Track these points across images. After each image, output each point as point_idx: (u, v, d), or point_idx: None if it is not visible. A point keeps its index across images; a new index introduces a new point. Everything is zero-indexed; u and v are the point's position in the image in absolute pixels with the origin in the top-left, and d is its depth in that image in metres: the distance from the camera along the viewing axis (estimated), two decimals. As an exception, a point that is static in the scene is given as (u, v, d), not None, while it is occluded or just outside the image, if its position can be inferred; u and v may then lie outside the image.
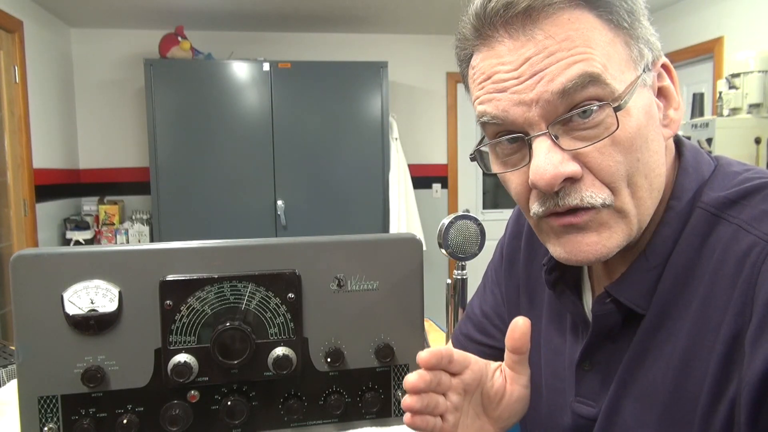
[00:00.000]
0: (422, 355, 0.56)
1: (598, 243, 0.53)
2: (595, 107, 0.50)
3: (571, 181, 0.51)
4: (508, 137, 0.54)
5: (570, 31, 0.49)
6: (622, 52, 0.51)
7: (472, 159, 0.60)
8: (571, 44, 0.49)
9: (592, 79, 0.49)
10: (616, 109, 0.49)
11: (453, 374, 0.59)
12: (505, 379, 0.62)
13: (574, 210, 0.52)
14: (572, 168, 0.50)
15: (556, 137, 0.51)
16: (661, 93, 0.56)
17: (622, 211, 0.52)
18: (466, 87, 0.60)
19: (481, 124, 0.55)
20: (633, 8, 0.52)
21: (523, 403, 0.63)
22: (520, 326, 0.59)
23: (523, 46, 0.50)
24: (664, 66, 0.56)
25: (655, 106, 0.54)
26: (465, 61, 0.58)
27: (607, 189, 0.51)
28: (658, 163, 0.54)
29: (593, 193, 0.51)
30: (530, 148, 0.52)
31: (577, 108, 0.50)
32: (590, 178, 0.51)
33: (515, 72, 0.51)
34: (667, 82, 0.57)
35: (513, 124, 0.52)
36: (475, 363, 0.61)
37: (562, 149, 0.51)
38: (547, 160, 0.50)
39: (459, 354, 0.60)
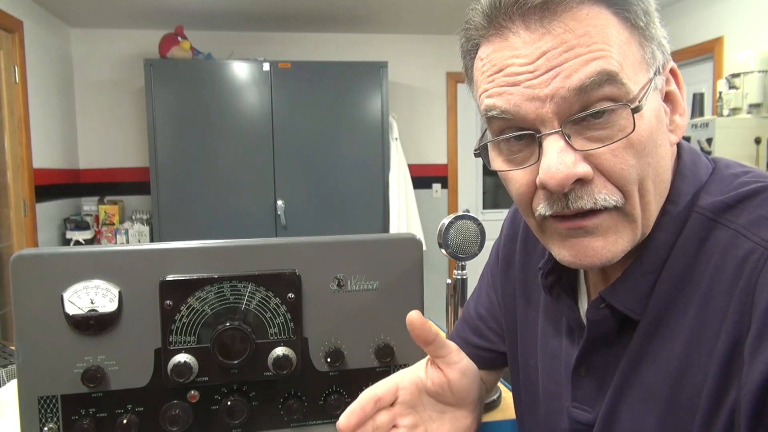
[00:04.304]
0: (342, 423, 0.56)
1: (603, 248, 0.51)
2: (609, 108, 0.48)
3: (581, 182, 0.50)
4: (515, 134, 0.52)
5: (589, 27, 0.48)
6: (637, 52, 0.50)
7: (477, 155, 0.58)
8: (589, 40, 0.48)
9: (609, 78, 0.47)
10: (634, 111, 0.48)
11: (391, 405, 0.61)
12: (438, 367, 0.62)
13: (584, 213, 0.51)
14: (584, 169, 0.49)
15: (569, 137, 0.49)
16: (667, 98, 0.55)
17: (630, 215, 0.51)
18: (469, 80, 0.58)
19: (488, 118, 0.53)
20: (648, 9, 0.51)
21: (470, 373, 0.64)
22: (413, 322, 0.59)
23: (541, 38, 0.48)
24: (671, 71, 0.55)
25: (663, 111, 0.53)
26: (471, 51, 0.56)
27: (618, 191, 0.50)
28: (665, 169, 0.53)
29: (607, 195, 0.50)
30: (540, 146, 0.50)
31: (591, 107, 0.49)
32: (602, 179, 0.50)
33: (530, 66, 0.49)
34: (673, 87, 0.55)
35: (523, 120, 0.50)
36: (402, 380, 0.62)
37: (575, 149, 0.49)
38: (560, 159, 0.48)
39: (383, 388, 0.60)
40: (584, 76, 0.47)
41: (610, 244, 0.51)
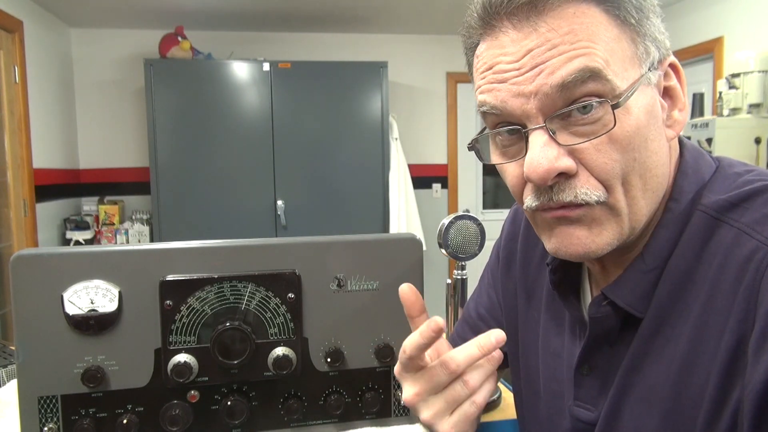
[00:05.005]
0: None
1: (587, 238, 0.52)
2: (594, 103, 0.49)
3: (566, 176, 0.51)
4: (507, 128, 0.54)
5: (574, 25, 0.49)
6: (627, 48, 0.51)
7: (470, 148, 0.60)
8: (574, 38, 0.49)
9: (592, 74, 0.48)
10: (614, 107, 0.49)
11: None
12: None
13: (567, 205, 0.52)
14: (567, 163, 0.50)
15: (554, 132, 0.50)
16: (666, 93, 0.55)
17: (615, 209, 0.52)
18: (471, 75, 0.60)
19: (482, 113, 0.55)
20: (642, 5, 0.51)
21: None
22: (408, 294, 0.63)
23: (526, 37, 0.50)
24: (671, 65, 0.55)
25: (659, 106, 0.53)
26: (471, 49, 0.58)
27: (601, 186, 0.51)
28: (657, 164, 0.53)
29: (588, 190, 0.51)
30: (527, 140, 0.52)
31: (576, 103, 0.49)
32: (585, 174, 0.51)
33: (516, 63, 0.50)
34: (673, 81, 0.56)
35: (511, 116, 0.52)
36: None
37: (558, 144, 0.50)
38: (542, 154, 0.50)
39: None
40: (566, 74, 0.48)
41: (594, 235, 0.52)
